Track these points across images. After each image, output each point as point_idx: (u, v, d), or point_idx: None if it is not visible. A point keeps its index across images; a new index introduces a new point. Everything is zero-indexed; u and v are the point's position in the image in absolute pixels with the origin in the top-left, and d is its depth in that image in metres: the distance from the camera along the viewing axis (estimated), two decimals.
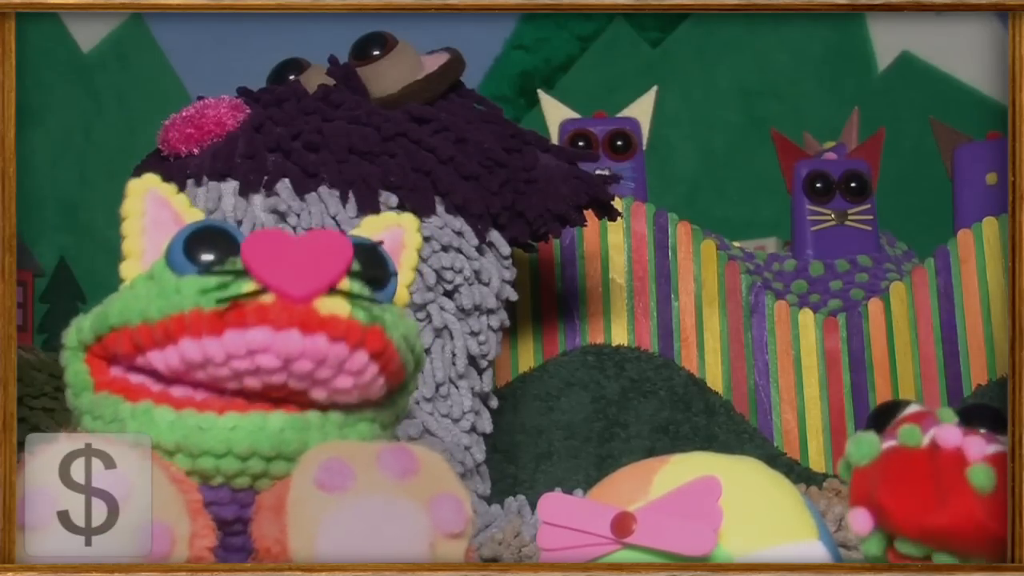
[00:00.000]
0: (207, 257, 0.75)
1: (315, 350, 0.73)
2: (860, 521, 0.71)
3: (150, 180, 0.81)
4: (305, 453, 0.73)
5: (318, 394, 0.75)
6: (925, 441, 0.70)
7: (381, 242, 0.80)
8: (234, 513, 0.76)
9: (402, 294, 0.82)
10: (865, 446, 0.72)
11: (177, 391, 0.75)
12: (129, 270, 0.79)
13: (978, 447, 0.69)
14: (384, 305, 0.77)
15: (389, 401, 0.80)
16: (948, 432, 0.69)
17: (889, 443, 0.71)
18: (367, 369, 0.75)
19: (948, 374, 1.51)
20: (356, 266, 0.76)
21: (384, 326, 0.75)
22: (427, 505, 0.71)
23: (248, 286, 0.73)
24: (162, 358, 0.74)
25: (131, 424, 0.75)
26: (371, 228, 0.84)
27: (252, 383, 0.74)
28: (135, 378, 0.76)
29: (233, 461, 0.75)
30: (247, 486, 0.75)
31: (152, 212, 0.80)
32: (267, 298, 0.73)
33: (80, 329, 0.77)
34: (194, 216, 0.80)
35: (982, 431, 0.70)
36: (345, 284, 0.75)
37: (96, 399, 0.77)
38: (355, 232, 0.83)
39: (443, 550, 0.71)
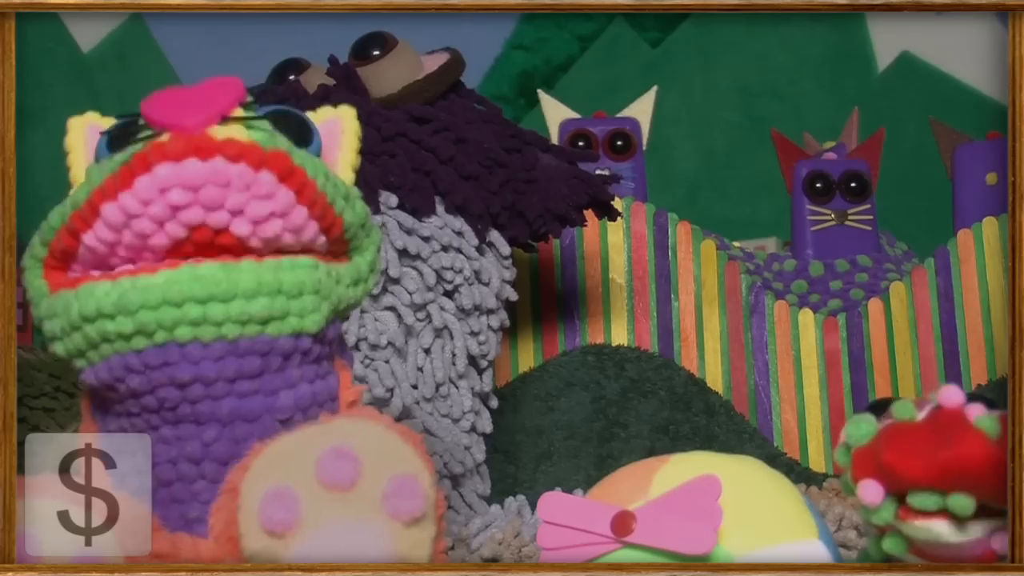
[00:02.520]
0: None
1: (216, 173, 0.73)
2: (870, 491, 0.71)
3: (90, 116, 0.82)
4: (243, 482, 0.71)
5: (241, 228, 0.75)
6: (920, 416, 0.71)
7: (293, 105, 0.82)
8: (190, 372, 0.75)
9: (346, 174, 0.82)
10: (863, 426, 0.72)
11: (118, 270, 0.76)
12: None
13: (979, 407, 0.70)
14: (304, 152, 0.78)
15: (336, 256, 0.80)
16: (951, 392, 0.71)
17: (885, 422, 0.72)
18: (279, 195, 0.75)
19: (948, 374, 1.51)
20: (255, 112, 0.77)
21: (290, 154, 0.76)
22: (381, 502, 0.70)
23: (145, 132, 0.75)
24: (93, 235, 0.76)
25: (75, 305, 0.75)
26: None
27: (175, 229, 0.74)
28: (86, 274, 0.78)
29: (169, 309, 0.75)
30: (191, 337, 0.75)
31: (92, 143, 0.81)
32: (164, 137, 0.74)
33: (32, 246, 0.78)
34: None
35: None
36: (239, 112, 0.76)
37: (51, 301, 0.77)
38: None
39: (407, 539, 0.70)
